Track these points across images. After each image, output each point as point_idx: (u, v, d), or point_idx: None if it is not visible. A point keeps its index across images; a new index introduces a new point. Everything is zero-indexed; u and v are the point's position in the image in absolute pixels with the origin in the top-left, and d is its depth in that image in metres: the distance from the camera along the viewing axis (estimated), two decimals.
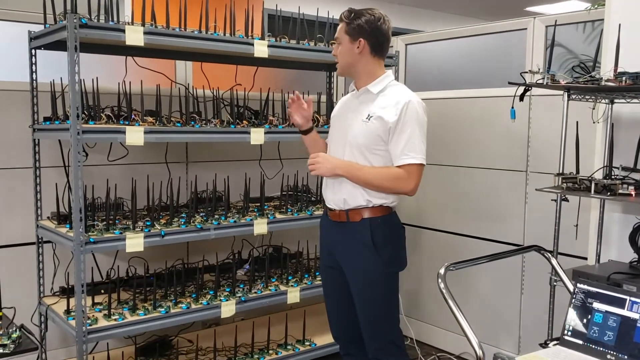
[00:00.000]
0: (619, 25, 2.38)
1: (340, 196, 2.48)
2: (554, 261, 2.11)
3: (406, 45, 4.20)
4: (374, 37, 2.45)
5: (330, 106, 3.68)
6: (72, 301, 2.81)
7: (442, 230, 3.93)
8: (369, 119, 2.42)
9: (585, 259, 2.92)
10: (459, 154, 3.79)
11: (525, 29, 3.40)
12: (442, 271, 1.83)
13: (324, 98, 3.87)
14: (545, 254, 2.15)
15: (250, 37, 3.06)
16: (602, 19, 3.01)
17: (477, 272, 3.65)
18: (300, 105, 2.61)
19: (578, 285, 1.92)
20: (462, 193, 3.80)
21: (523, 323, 3.51)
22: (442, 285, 1.79)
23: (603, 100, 2.60)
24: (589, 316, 1.87)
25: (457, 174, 3.80)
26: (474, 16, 8.88)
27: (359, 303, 2.52)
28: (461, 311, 1.75)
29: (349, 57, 2.47)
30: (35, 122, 3.04)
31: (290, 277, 3.36)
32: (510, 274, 3.53)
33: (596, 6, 3.09)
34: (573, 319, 1.91)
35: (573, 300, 1.93)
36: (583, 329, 1.87)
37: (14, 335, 2.16)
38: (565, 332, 1.91)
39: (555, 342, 1.92)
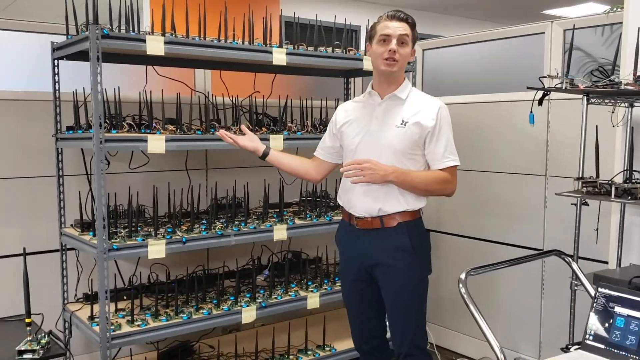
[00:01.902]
0: (638, 28, 2.37)
1: (375, 204, 2.45)
2: (574, 265, 2.10)
3: (423, 50, 4.22)
4: None
5: None
6: (96, 307, 2.85)
7: (461, 234, 3.93)
8: (404, 125, 2.42)
9: (606, 262, 2.91)
10: (477, 158, 3.78)
11: (543, 33, 3.40)
12: (462, 276, 1.84)
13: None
14: (566, 259, 2.15)
15: (268, 45, 3.09)
16: (621, 22, 3.00)
17: (497, 277, 3.64)
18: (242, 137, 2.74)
19: (599, 289, 1.92)
20: (481, 197, 3.79)
21: (544, 327, 3.50)
22: (463, 290, 1.80)
23: (622, 104, 2.59)
24: (611, 320, 1.87)
25: (475, 178, 3.80)
26: (490, 20, 8.87)
27: (393, 309, 2.52)
28: (482, 316, 1.76)
29: (406, 61, 2.49)
30: (58, 131, 3.09)
31: (309, 283, 3.37)
32: (530, 278, 3.52)
33: (615, 9, 3.08)
34: (594, 323, 1.90)
35: (594, 304, 1.93)
36: (605, 334, 1.87)
37: (43, 341, 2.21)
38: (587, 336, 1.91)
39: (577, 346, 1.92)
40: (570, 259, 2.13)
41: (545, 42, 3.39)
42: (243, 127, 2.84)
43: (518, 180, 3.56)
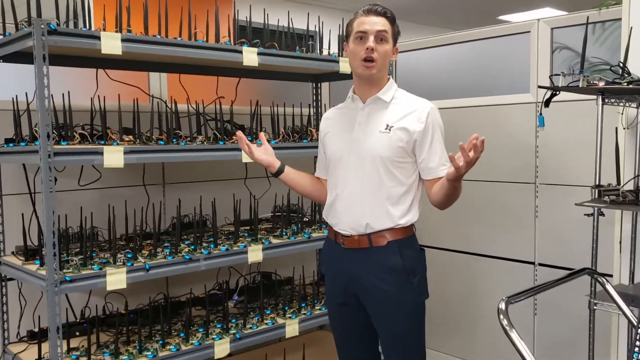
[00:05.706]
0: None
1: (362, 220, 2.16)
2: (609, 286, 1.86)
3: None
4: None
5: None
6: (44, 347, 2.44)
7: (444, 248, 3.67)
8: (389, 130, 2.15)
9: (609, 275, 2.71)
10: None
11: (529, 32, 3.20)
12: (502, 306, 1.57)
13: (312, 111, 3.60)
14: (600, 279, 1.91)
15: (238, 45, 2.77)
16: (615, 19, 2.84)
17: (485, 290, 3.41)
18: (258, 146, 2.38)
19: None
20: (463, 207, 3.55)
21: (537, 347, 3.26)
22: (505, 322, 1.53)
23: (632, 105, 2.40)
24: None
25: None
26: (446, 27, 8.75)
27: (386, 340, 2.22)
28: (526, 348, 1.49)
29: (387, 60, 2.21)
30: None
31: (286, 307, 3.05)
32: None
33: (607, 6, 2.91)
34: None
35: None
36: None
37: None
38: None
39: None
40: (604, 279, 1.89)
41: (532, 42, 3.18)
42: (262, 135, 2.45)
43: (505, 189, 3.34)
